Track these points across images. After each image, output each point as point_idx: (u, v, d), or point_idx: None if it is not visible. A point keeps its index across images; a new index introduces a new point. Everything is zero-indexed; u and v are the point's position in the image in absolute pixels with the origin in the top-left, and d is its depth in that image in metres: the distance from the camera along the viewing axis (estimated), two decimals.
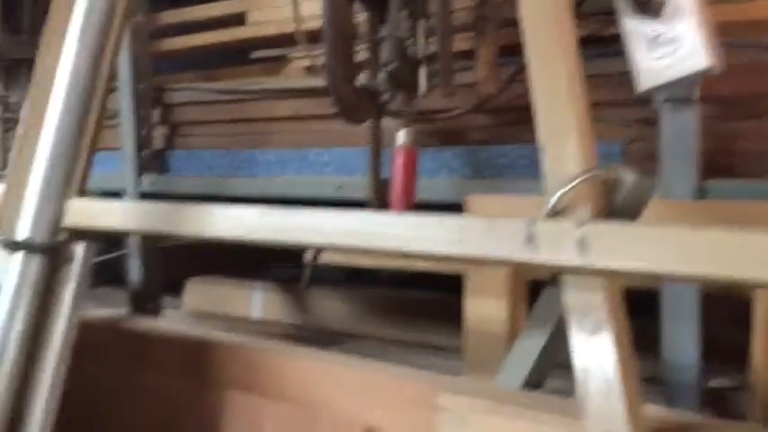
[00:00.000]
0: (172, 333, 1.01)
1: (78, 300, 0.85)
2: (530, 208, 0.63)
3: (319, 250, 1.09)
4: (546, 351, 0.75)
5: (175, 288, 1.66)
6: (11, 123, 1.57)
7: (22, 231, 0.86)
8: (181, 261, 1.62)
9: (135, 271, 1.41)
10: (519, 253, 0.60)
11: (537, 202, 0.63)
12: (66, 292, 0.85)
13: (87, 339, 0.87)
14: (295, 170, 1.10)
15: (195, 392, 0.96)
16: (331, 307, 1.55)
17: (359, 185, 1.00)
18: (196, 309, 1.67)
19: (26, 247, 0.84)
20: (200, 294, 1.70)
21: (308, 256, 1.18)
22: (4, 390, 0.82)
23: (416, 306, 1.43)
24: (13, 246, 0.85)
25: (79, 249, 0.86)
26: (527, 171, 0.96)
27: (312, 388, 0.84)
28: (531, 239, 0.59)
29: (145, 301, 1.42)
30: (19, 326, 0.83)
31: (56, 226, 0.87)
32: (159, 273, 1.44)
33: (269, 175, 1.14)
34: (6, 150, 1.60)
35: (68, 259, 0.86)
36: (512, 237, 0.60)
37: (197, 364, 0.95)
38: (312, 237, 0.75)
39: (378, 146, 0.94)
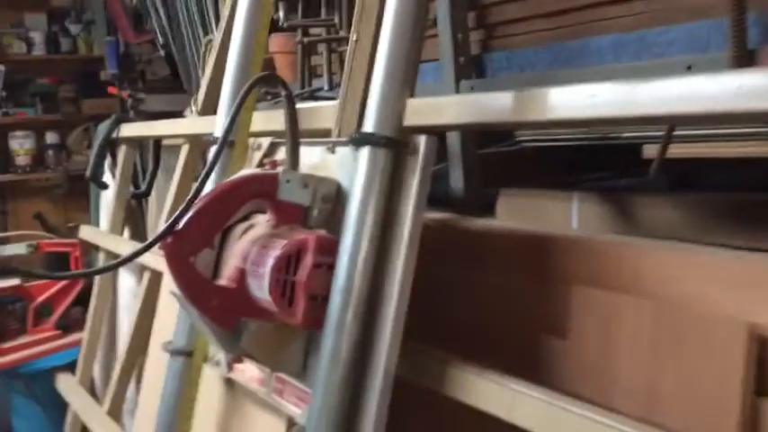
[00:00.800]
0: (511, 230, 0.99)
1: (423, 191, 0.85)
2: None
3: (666, 143, 0.98)
4: None
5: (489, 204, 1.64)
6: (333, 44, 1.65)
7: (367, 128, 0.88)
8: (493, 175, 1.60)
9: (457, 180, 1.41)
10: None
11: None
12: (412, 182, 0.85)
13: (423, 239, 0.87)
14: (632, 55, 1.00)
15: (538, 289, 0.92)
16: (658, 215, 1.42)
17: (715, 62, 0.87)
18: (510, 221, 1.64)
19: (372, 141, 0.86)
20: (514, 206, 1.66)
21: (648, 150, 1.07)
22: (360, 280, 0.85)
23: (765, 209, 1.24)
24: (360, 140, 0.87)
25: (421, 142, 0.86)
26: None
27: (676, 282, 0.75)
28: None
29: (468, 210, 1.42)
30: (370, 218, 0.86)
31: (397, 123, 0.87)
32: (480, 182, 1.43)
33: (601, 64, 1.05)
34: (332, 72, 1.69)
35: (411, 152, 0.86)
36: None
37: (540, 260, 0.92)
38: (673, 106, 0.66)
39: (743, 9, 0.80)
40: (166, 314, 1.59)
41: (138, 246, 1.73)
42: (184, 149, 1.88)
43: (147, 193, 2.34)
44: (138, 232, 2.48)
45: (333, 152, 1.04)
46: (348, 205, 0.87)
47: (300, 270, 0.89)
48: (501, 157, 1.50)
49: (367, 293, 0.86)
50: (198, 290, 0.92)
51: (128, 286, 2.40)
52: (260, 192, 0.96)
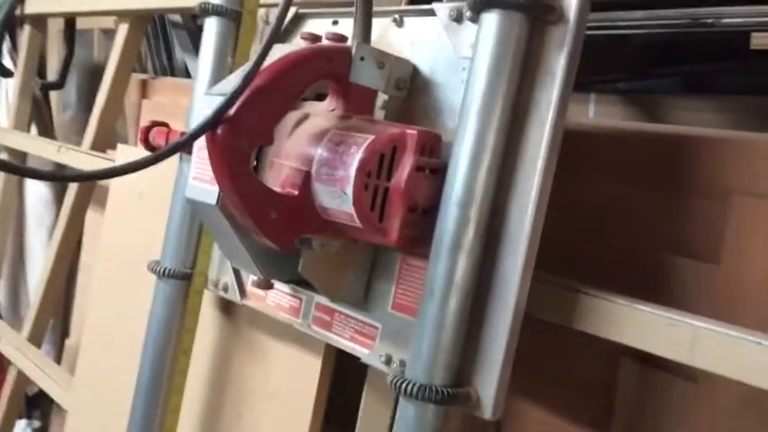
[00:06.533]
0: (606, 129, 0.81)
1: (571, 73, 0.66)
2: None
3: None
4: None
5: None
6: None
7: None
8: None
9: None
10: None
11: None
12: (557, 62, 0.65)
13: None
14: None
15: (667, 202, 0.76)
16: (682, 117, 1.29)
17: None
18: None
19: (505, 1, 0.65)
20: None
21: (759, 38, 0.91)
22: (483, 189, 0.66)
23: None
24: (482, 4, 0.66)
25: (572, 5, 0.65)
26: None
27: None
28: None
29: None
30: (499, 108, 0.65)
31: None
32: None
33: None
34: None
35: (556, 20, 0.66)
36: None
37: (649, 163, 0.75)
38: None
39: None
40: (120, 227, 1.33)
41: (48, 143, 1.43)
42: (122, 30, 1.56)
43: (61, 84, 1.98)
44: (48, 130, 2.12)
45: (400, 25, 0.82)
46: (469, 90, 0.66)
47: (397, 174, 0.68)
48: None
49: (490, 206, 0.66)
50: (256, 199, 0.69)
51: (37, 193, 2.07)
52: (328, 70, 0.73)
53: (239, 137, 0.67)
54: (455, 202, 0.65)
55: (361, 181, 0.67)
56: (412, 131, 0.68)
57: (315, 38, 0.80)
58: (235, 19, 0.98)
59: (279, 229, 0.71)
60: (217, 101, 0.68)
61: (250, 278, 0.94)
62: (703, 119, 1.28)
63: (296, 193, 0.72)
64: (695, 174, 0.74)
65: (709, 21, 0.94)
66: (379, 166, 0.68)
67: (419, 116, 0.78)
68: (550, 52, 0.66)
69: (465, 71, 0.74)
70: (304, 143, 0.73)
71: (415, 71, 0.79)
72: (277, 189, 0.73)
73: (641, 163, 0.79)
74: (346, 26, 0.87)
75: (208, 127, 0.65)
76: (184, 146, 0.66)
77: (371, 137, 0.69)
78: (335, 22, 0.90)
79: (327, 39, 0.76)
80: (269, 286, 0.86)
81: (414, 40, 0.80)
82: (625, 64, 1.45)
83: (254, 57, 0.67)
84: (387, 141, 0.68)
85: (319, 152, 0.71)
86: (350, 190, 0.68)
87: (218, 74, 0.98)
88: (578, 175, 0.85)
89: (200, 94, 0.97)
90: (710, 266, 0.73)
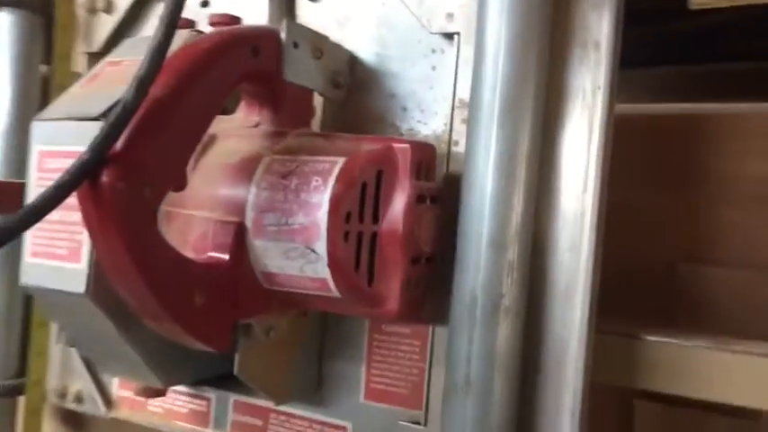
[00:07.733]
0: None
1: (618, 39, 0.47)
2: None
3: None
4: None
5: None
6: None
7: None
8: None
9: None
10: None
11: None
12: (595, 26, 0.46)
13: None
14: None
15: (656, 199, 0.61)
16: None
17: None
18: None
19: None
20: None
21: None
22: (523, 226, 0.45)
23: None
24: None
25: None
26: None
27: None
28: None
29: None
30: (530, 95, 0.45)
31: None
32: None
33: None
34: None
35: None
36: None
37: (662, 156, 0.60)
38: None
39: None
40: None
41: None
42: None
43: None
44: None
45: None
46: (483, 81, 0.45)
47: (390, 210, 0.45)
48: None
49: (530, 251, 0.46)
50: (171, 278, 0.42)
51: None
52: (254, 66, 0.47)
53: (139, 183, 0.40)
54: (489, 243, 0.44)
55: (339, 228, 0.44)
56: (403, 145, 0.46)
57: (188, 24, 0.54)
58: (40, 10, 0.68)
59: (209, 320, 0.45)
60: (76, 128, 0.40)
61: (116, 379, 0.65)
62: None
63: (227, 257, 0.46)
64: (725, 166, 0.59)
65: None
66: (360, 204, 0.45)
67: (371, 122, 0.55)
68: (587, 15, 0.46)
69: (437, 53, 0.53)
70: (222, 180, 0.48)
71: (352, 60, 0.56)
72: (189, 254, 0.46)
73: (652, 156, 0.63)
74: (219, 7, 0.62)
75: (87, 170, 0.38)
76: (55, 205, 0.38)
77: (341, 159, 0.45)
78: (205, 4, 0.64)
79: (213, 24, 0.51)
80: (160, 393, 0.59)
81: (344, 18, 0.57)
82: None
83: (142, 49, 0.40)
84: (367, 164, 0.45)
85: (254, 192, 0.46)
86: (321, 245, 0.44)
87: (27, 87, 0.68)
88: None
89: (4, 119, 0.66)
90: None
